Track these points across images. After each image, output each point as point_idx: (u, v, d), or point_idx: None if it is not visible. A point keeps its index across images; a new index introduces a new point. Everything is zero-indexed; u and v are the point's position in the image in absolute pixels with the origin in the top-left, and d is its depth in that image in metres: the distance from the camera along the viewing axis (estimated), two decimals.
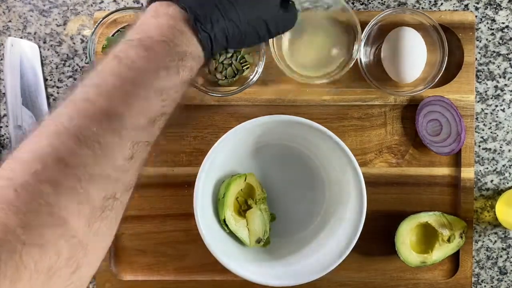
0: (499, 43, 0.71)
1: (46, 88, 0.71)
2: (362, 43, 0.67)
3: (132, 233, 0.70)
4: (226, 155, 0.66)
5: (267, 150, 0.69)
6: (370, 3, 0.71)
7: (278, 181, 0.70)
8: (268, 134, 0.66)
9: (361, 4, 0.71)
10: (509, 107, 0.72)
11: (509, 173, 0.72)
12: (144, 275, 0.70)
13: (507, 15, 0.71)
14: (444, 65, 0.66)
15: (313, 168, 0.69)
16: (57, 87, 0.72)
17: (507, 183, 0.72)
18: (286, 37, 0.68)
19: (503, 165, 0.72)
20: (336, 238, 0.65)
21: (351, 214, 0.65)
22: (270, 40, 0.65)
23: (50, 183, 0.35)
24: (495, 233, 0.72)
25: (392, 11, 0.66)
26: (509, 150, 0.72)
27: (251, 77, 0.67)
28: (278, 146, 0.69)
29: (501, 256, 0.72)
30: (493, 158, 0.72)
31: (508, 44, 0.71)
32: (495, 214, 0.71)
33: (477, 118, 0.71)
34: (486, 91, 0.71)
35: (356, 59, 0.66)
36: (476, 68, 0.71)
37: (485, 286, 0.72)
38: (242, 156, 0.68)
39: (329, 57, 0.68)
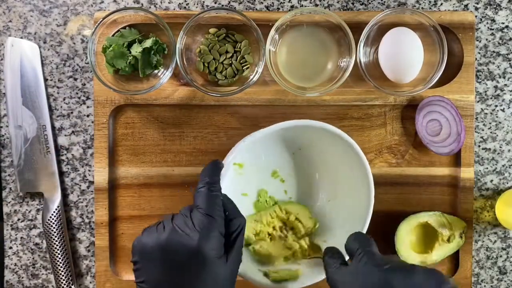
0: (499, 43, 0.71)
1: (46, 88, 0.71)
2: (362, 44, 0.67)
3: (132, 233, 0.71)
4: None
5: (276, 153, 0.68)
6: (370, 3, 0.71)
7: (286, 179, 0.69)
8: (277, 139, 0.66)
9: (361, 4, 0.71)
10: (508, 107, 0.72)
11: (509, 173, 0.72)
12: None
13: (507, 15, 0.71)
14: (444, 65, 0.66)
15: (319, 169, 0.69)
16: (57, 87, 0.72)
17: (507, 183, 0.72)
18: (282, 49, 0.68)
19: (503, 165, 0.72)
20: (339, 240, 0.64)
21: (356, 212, 0.64)
22: (267, 52, 0.65)
23: None
24: (495, 233, 0.72)
25: (392, 11, 0.66)
26: (509, 150, 0.72)
27: (251, 77, 0.67)
28: (287, 149, 0.68)
29: (500, 256, 0.72)
30: (493, 158, 0.72)
31: (508, 44, 0.71)
32: (495, 214, 0.71)
33: (477, 118, 0.72)
34: (486, 91, 0.72)
35: (356, 60, 0.66)
36: (476, 68, 0.71)
37: (485, 286, 0.72)
38: (248, 162, 0.67)
39: (323, 70, 0.69)
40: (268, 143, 0.66)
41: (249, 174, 0.67)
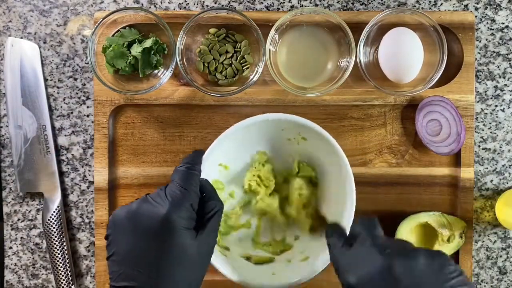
0: (498, 43, 0.71)
1: (46, 88, 0.71)
2: (362, 44, 0.67)
3: None
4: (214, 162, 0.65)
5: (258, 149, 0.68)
6: (370, 3, 0.71)
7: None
8: (258, 136, 0.66)
9: (361, 4, 0.71)
10: (508, 107, 0.72)
11: (509, 173, 0.72)
12: None
13: (507, 15, 0.71)
14: (444, 65, 0.66)
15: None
16: (57, 87, 0.72)
17: (507, 183, 0.72)
18: (282, 49, 0.68)
19: (503, 165, 0.72)
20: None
21: (340, 212, 0.63)
22: (267, 52, 0.65)
23: None
24: (495, 233, 0.72)
25: (392, 11, 0.66)
26: (509, 150, 0.72)
27: (251, 77, 0.67)
28: (270, 147, 0.68)
29: (500, 256, 0.72)
30: (493, 158, 0.72)
31: (508, 44, 0.71)
32: (495, 214, 0.71)
33: (477, 118, 0.72)
34: (486, 91, 0.72)
35: (356, 60, 0.66)
36: (476, 68, 0.71)
37: (485, 286, 0.72)
38: (231, 160, 0.67)
39: (323, 70, 0.69)
40: (251, 144, 0.66)
41: (233, 174, 0.67)
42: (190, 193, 0.54)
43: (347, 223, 0.61)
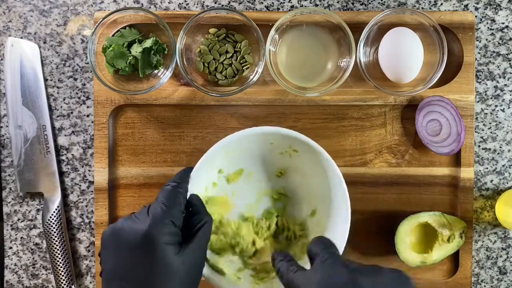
0: (498, 43, 0.71)
1: (46, 88, 0.71)
2: (362, 44, 0.67)
3: None
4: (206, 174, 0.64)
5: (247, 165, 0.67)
6: (370, 3, 0.71)
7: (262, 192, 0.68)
8: (243, 150, 0.64)
9: (361, 4, 0.71)
10: (508, 107, 0.72)
11: (509, 173, 0.72)
12: None
13: (507, 15, 0.71)
14: (444, 65, 0.66)
15: (296, 178, 0.67)
16: (57, 87, 0.72)
17: (507, 183, 0.72)
18: (282, 49, 0.68)
19: (503, 165, 0.72)
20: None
21: (336, 216, 0.63)
22: (267, 52, 0.65)
23: None
24: (495, 233, 0.72)
25: (391, 11, 0.66)
26: (509, 150, 0.72)
27: (251, 77, 0.67)
28: (259, 160, 0.67)
29: (500, 256, 0.72)
30: (493, 158, 0.72)
31: (508, 44, 0.71)
32: (495, 214, 0.71)
33: (477, 118, 0.72)
34: (486, 91, 0.72)
35: (356, 60, 0.66)
36: (476, 68, 0.71)
37: (485, 286, 0.72)
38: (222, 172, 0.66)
39: (323, 70, 0.69)
40: (238, 162, 0.65)
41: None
42: (171, 210, 0.55)
43: (342, 235, 0.61)
